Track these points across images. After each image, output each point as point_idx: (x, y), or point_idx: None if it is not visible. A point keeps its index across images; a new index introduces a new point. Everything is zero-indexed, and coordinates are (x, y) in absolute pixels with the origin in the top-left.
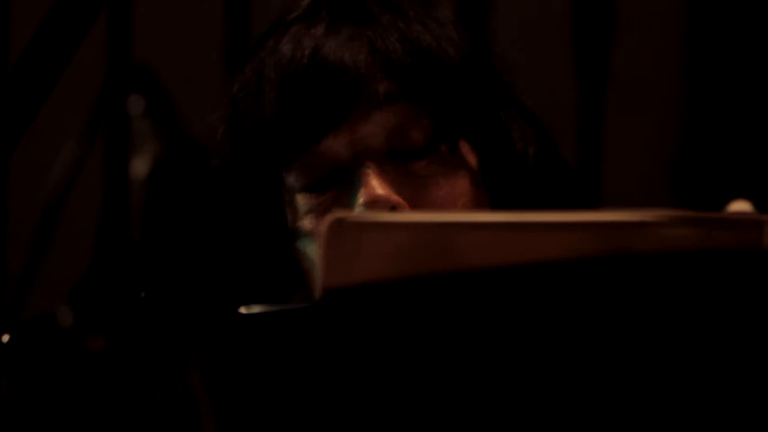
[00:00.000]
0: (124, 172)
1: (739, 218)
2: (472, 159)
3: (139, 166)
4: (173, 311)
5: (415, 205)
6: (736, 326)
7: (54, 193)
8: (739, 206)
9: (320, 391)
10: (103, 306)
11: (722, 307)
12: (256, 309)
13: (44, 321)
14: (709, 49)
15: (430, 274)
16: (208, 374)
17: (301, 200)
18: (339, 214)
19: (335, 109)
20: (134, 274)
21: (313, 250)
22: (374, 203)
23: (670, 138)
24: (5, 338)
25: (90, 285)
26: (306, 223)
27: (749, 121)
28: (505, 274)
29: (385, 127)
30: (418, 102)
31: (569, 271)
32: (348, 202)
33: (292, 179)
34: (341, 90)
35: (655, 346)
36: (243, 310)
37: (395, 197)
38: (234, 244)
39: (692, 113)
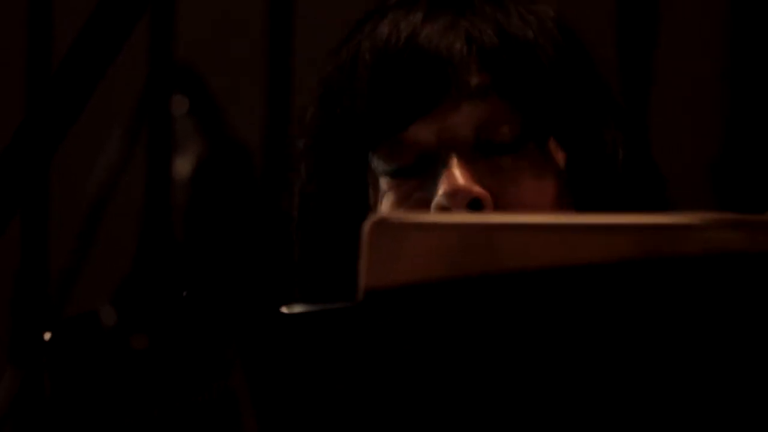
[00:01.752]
0: (166, 172)
1: None
2: (559, 158)
3: (182, 166)
4: (215, 310)
5: (499, 199)
6: None
7: (97, 193)
8: None
9: (360, 391)
10: (146, 305)
11: (764, 310)
12: (297, 309)
13: (87, 319)
14: (752, 49)
15: (471, 276)
16: (250, 374)
17: (385, 184)
18: (381, 214)
19: (426, 97)
20: (176, 273)
21: None
22: (455, 194)
23: (712, 139)
24: (47, 336)
25: (133, 284)
26: (387, 206)
27: None
28: (547, 276)
29: (474, 119)
30: (510, 97)
31: (611, 274)
32: (430, 191)
33: (377, 162)
34: (434, 78)
35: (699, 351)
36: (284, 309)
37: (477, 189)
38: (312, 228)
39: (735, 114)
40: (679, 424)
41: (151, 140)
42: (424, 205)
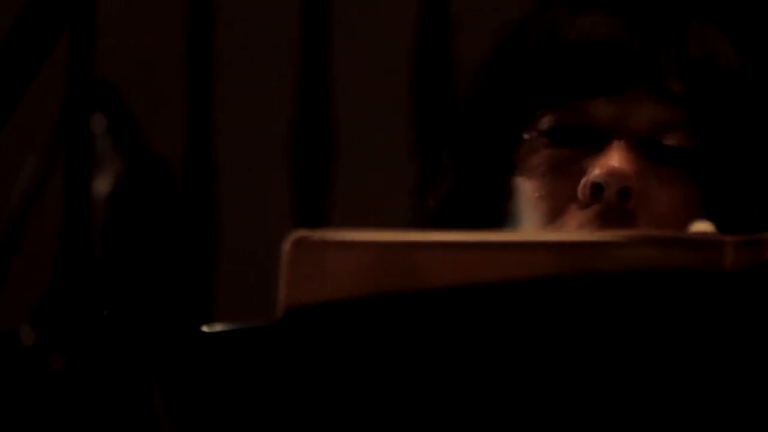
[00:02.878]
0: (86, 190)
1: (701, 238)
2: (702, 189)
3: (101, 184)
4: (135, 330)
5: (639, 203)
6: (697, 346)
7: (16, 210)
8: (701, 227)
9: (280, 409)
10: (65, 324)
11: (683, 327)
12: (217, 327)
13: (6, 339)
14: None
15: (392, 294)
16: (169, 393)
17: (540, 144)
18: (302, 232)
19: (621, 77)
20: (96, 292)
21: (529, 193)
22: (614, 174)
23: None
24: None
25: (52, 303)
26: (536, 164)
27: None
28: (467, 294)
29: (654, 117)
30: (697, 114)
31: (532, 291)
32: (583, 164)
33: (546, 120)
34: (635, 66)
35: (616, 366)
36: (205, 328)
37: (633, 179)
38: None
39: None
40: None
41: (71, 158)
42: (578, 175)
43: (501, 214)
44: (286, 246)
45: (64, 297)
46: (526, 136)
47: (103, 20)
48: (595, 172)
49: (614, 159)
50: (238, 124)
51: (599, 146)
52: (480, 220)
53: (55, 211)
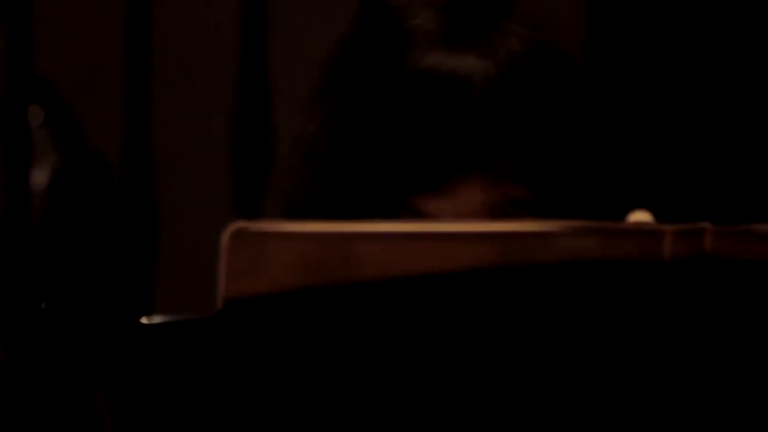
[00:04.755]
0: (24, 182)
1: (640, 228)
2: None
3: (39, 177)
4: (74, 321)
5: None
6: (636, 337)
7: None
8: (640, 216)
9: (218, 401)
10: (3, 316)
11: (622, 317)
12: (156, 319)
13: None
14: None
15: (331, 285)
16: (109, 385)
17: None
18: (240, 223)
19: (445, 175)
20: (34, 284)
21: None
22: None
23: None
24: None
25: None
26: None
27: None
28: (407, 285)
29: (486, 201)
30: (528, 183)
31: (470, 282)
32: None
33: (382, 213)
34: (457, 161)
35: (555, 357)
36: (144, 319)
37: None
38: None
39: None
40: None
41: (8, 151)
42: None
43: None
44: (225, 237)
45: (2, 289)
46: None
47: (40, 13)
48: None
49: None
50: (177, 116)
51: None
52: None
53: None
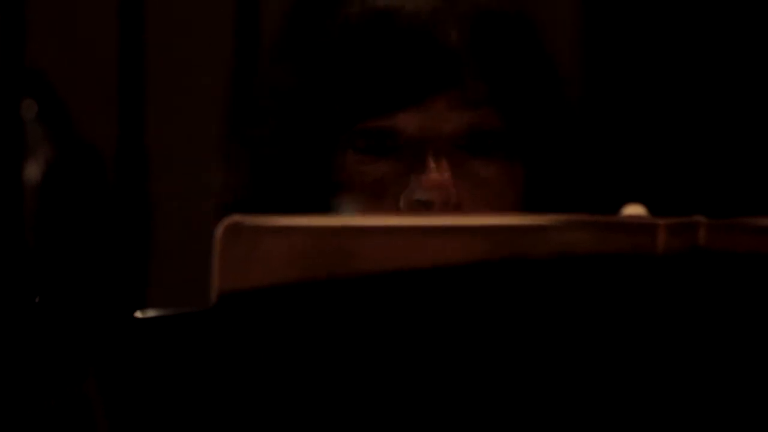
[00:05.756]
0: (17, 176)
1: (633, 222)
2: (518, 173)
3: (32, 171)
4: (67, 316)
5: (463, 202)
6: (630, 331)
7: None
8: (633, 210)
9: (213, 395)
10: None
11: (615, 311)
12: (150, 313)
13: None
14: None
15: (326, 278)
16: (103, 379)
17: (354, 159)
18: (235, 218)
19: (422, 89)
20: (28, 278)
21: (350, 211)
22: (433, 191)
23: None
24: None
25: None
26: (354, 184)
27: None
28: (401, 279)
29: (463, 122)
30: (503, 109)
31: (464, 276)
32: (402, 178)
33: (354, 136)
34: (434, 71)
35: (548, 352)
36: (138, 313)
37: (451, 189)
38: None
39: None
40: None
41: (1, 145)
42: (398, 189)
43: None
44: (219, 231)
45: None
46: (338, 151)
47: (33, 6)
48: (417, 190)
49: (432, 171)
50: (170, 109)
51: (415, 157)
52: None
53: None
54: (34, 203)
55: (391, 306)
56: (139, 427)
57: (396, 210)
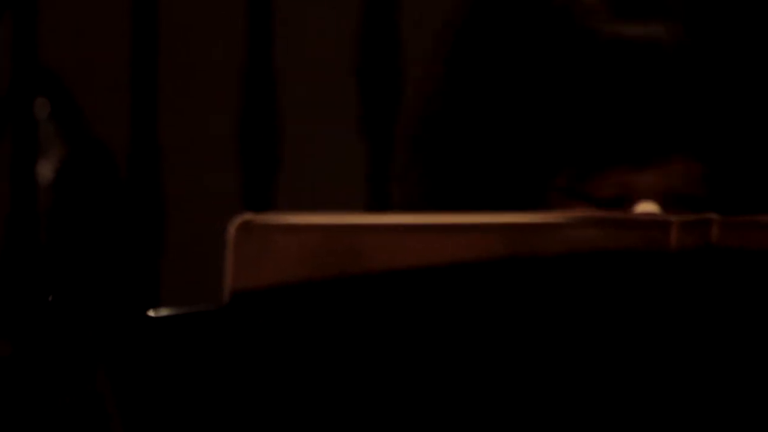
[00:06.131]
0: (30, 175)
1: (646, 219)
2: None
3: (45, 169)
4: (80, 314)
5: None
6: (642, 328)
7: None
8: (646, 207)
9: (226, 394)
10: (10, 310)
11: (628, 309)
12: (163, 312)
13: None
14: None
15: (339, 277)
16: (116, 378)
17: (560, 199)
18: (247, 216)
19: (663, 150)
20: (41, 277)
21: None
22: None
23: None
24: None
25: None
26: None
27: None
28: (413, 277)
29: (682, 176)
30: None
31: (477, 274)
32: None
33: (566, 179)
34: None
35: (563, 348)
36: (151, 312)
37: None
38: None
39: None
40: (539, 425)
41: (15, 144)
42: None
43: None
44: (232, 230)
45: (9, 283)
46: (549, 191)
47: (46, 4)
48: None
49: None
50: (183, 108)
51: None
52: None
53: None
54: (48, 202)
55: (403, 304)
56: (152, 425)
57: None
